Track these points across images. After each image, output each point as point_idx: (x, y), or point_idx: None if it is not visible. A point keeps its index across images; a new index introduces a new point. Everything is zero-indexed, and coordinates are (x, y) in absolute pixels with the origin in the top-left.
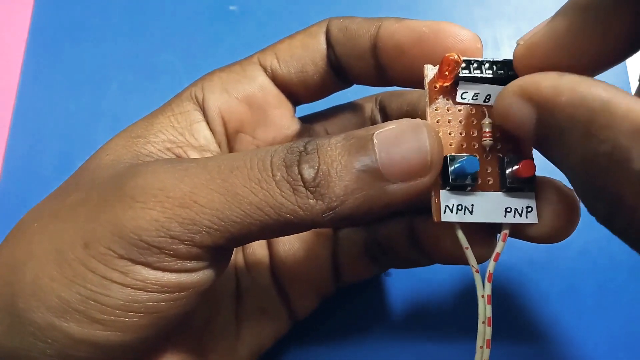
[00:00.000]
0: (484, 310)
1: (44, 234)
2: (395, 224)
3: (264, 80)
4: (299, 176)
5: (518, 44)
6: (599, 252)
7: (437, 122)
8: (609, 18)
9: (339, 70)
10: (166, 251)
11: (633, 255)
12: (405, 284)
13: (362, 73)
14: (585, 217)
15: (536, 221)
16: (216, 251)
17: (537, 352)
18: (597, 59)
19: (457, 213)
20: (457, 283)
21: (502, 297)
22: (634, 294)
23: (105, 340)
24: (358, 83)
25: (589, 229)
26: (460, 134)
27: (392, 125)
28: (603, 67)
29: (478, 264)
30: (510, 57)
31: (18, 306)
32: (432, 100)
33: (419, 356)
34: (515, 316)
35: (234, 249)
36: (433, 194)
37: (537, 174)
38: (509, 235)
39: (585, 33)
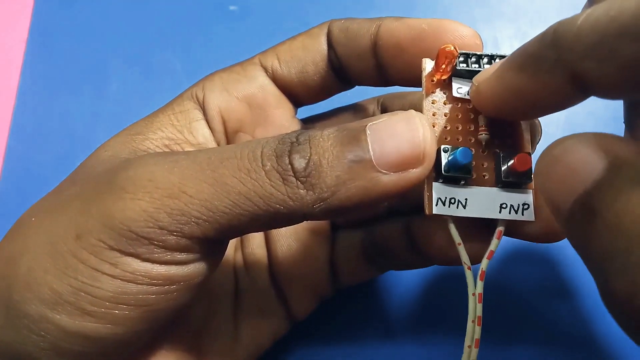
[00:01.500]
0: (474, 308)
1: (40, 227)
2: (393, 225)
3: (264, 81)
4: (290, 166)
5: (472, 84)
6: None
7: (433, 114)
8: (545, 77)
9: (340, 71)
10: (155, 242)
11: None
12: (403, 285)
13: (363, 73)
14: None
15: (533, 219)
16: (207, 243)
17: (533, 354)
18: (538, 108)
19: (449, 206)
20: (456, 285)
21: (497, 297)
22: None
23: (96, 333)
24: (359, 84)
25: None
26: (457, 127)
27: (385, 117)
28: (545, 113)
29: (472, 264)
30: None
31: (13, 299)
32: (428, 93)
33: (418, 356)
34: (510, 316)
35: (233, 248)
36: (425, 186)
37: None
38: (505, 234)
39: (525, 87)
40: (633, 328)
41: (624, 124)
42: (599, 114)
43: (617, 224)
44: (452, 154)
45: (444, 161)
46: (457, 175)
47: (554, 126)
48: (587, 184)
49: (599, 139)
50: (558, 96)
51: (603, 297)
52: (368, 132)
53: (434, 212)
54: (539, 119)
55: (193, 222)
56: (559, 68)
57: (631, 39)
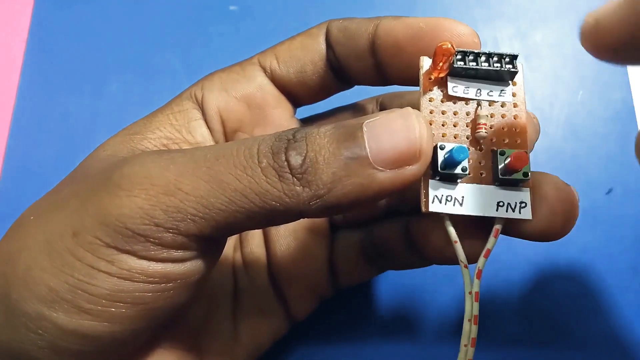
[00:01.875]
0: (471, 307)
1: (38, 226)
2: (392, 225)
3: (263, 80)
4: (286, 163)
5: (587, 21)
6: (599, 252)
7: (431, 112)
8: None
9: (339, 70)
10: (151, 239)
11: (633, 255)
12: (402, 285)
13: (361, 73)
14: (585, 216)
15: (530, 217)
16: (204, 241)
17: (530, 353)
18: None
19: (445, 204)
20: (455, 284)
21: (497, 297)
22: (635, 295)
23: (93, 331)
24: (358, 83)
25: (589, 228)
26: (454, 125)
27: (382, 115)
28: None
29: (469, 263)
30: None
31: (11, 297)
32: (425, 90)
33: (417, 355)
34: (507, 315)
35: (232, 248)
36: (422, 183)
37: (533, 169)
38: (502, 232)
39: None
40: None
41: None
42: (599, 114)
43: None
44: (448, 152)
45: (440, 158)
46: (454, 172)
47: (554, 126)
48: None
49: None
50: None
51: None
52: (365, 129)
53: (430, 209)
54: (539, 120)
55: (189, 219)
56: None
57: None
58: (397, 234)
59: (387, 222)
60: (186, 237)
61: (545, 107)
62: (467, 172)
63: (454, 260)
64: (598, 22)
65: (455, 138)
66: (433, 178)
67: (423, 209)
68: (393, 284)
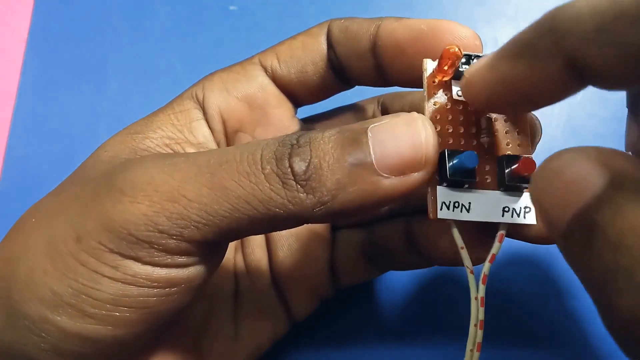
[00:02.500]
0: (477, 312)
1: (40, 228)
2: (393, 225)
3: (264, 80)
4: (289, 169)
5: (464, 75)
6: None
7: (436, 117)
8: (542, 65)
9: (339, 71)
10: (155, 245)
11: None
12: (403, 286)
13: (362, 73)
14: None
15: (534, 222)
16: (207, 246)
17: (534, 357)
18: (532, 99)
19: (453, 210)
20: (456, 285)
21: (499, 300)
22: None
23: (97, 335)
24: (358, 84)
25: None
26: (459, 130)
27: (387, 119)
28: (538, 106)
29: (474, 265)
30: None
31: (13, 299)
32: (430, 95)
33: (418, 357)
34: (513, 320)
35: (233, 249)
36: (429, 190)
37: None
38: (506, 235)
39: (519, 76)
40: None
41: (627, 108)
42: (601, 115)
43: (620, 241)
44: (457, 158)
45: (448, 164)
46: (462, 179)
47: (554, 127)
48: (587, 200)
49: (600, 153)
50: (554, 85)
51: (605, 320)
52: (369, 134)
53: (439, 216)
54: (540, 120)
55: (193, 225)
56: (556, 55)
57: (631, 22)
58: (398, 234)
59: (388, 222)
60: (190, 243)
61: (546, 108)
62: (474, 178)
63: (458, 263)
64: (468, 80)
65: (460, 143)
66: (440, 184)
67: (431, 216)
68: (393, 284)
